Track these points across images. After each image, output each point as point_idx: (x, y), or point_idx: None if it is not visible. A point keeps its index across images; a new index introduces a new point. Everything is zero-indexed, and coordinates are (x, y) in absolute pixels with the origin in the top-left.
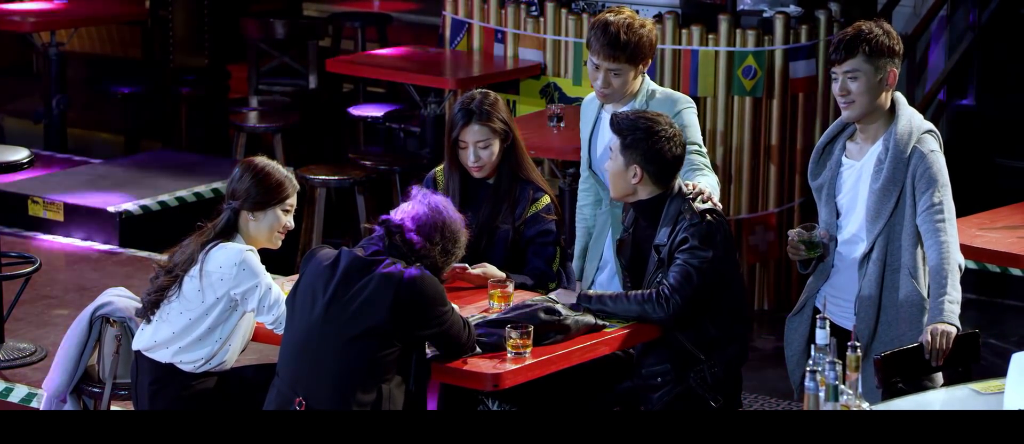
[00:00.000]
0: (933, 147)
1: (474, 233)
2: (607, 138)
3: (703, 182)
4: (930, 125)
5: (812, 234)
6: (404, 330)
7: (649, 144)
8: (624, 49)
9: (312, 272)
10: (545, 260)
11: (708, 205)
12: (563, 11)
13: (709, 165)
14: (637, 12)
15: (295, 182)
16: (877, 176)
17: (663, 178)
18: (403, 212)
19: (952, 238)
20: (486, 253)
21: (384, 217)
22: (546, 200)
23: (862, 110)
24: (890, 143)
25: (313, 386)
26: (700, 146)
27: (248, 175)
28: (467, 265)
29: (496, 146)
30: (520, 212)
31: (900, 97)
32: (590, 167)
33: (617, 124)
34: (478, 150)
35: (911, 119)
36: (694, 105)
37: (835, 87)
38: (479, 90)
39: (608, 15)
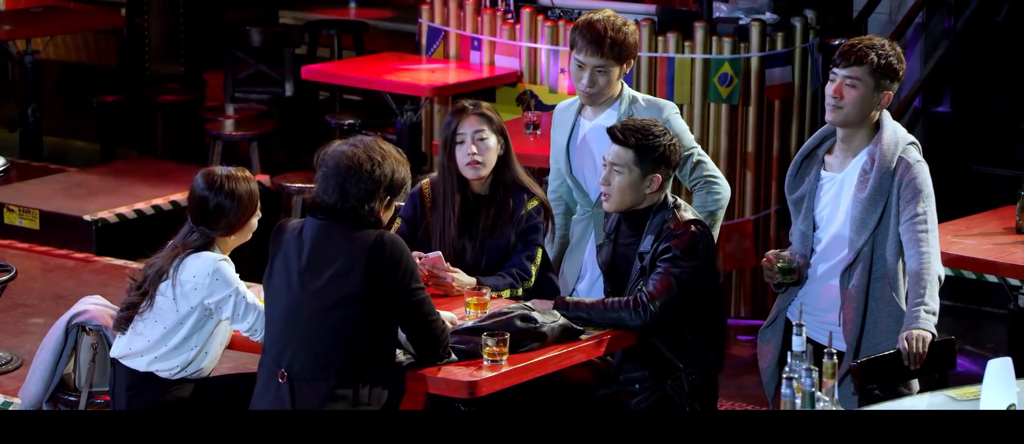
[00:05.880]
0: (918, 157)
1: (477, 247)
2: (591, 148)
3: (723, 193)
4: (912, 137)
5: (789, 260)
6: (378, 293)
7: (662, 150)
8: (611, 46)
9: (285, 245)
10: (527, 257)
11: (691, 215)
12: (539, 18)
13: (718, 172)
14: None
15: (255, 184)
16: (862, 186)
17: (670, 181)
18: (315, 186)
19: (934, 249)
20: (490, 263)
21: (310, 201)
22: (536, 202)
23: (847, 118)
24: (876, 154)
25: (294, 355)
26: (699, 148)
27: (223, 199)
28: (441, 253)
29: (493, 141)
30: (518, 217)
31: (885, 110)
32: (570, 174)
33: (624, 136)
34: (476, 141)
35: (896, 131)
36: (678, 109)
37: (830, 88)
38: (469, 100)
39: (591, 15)
